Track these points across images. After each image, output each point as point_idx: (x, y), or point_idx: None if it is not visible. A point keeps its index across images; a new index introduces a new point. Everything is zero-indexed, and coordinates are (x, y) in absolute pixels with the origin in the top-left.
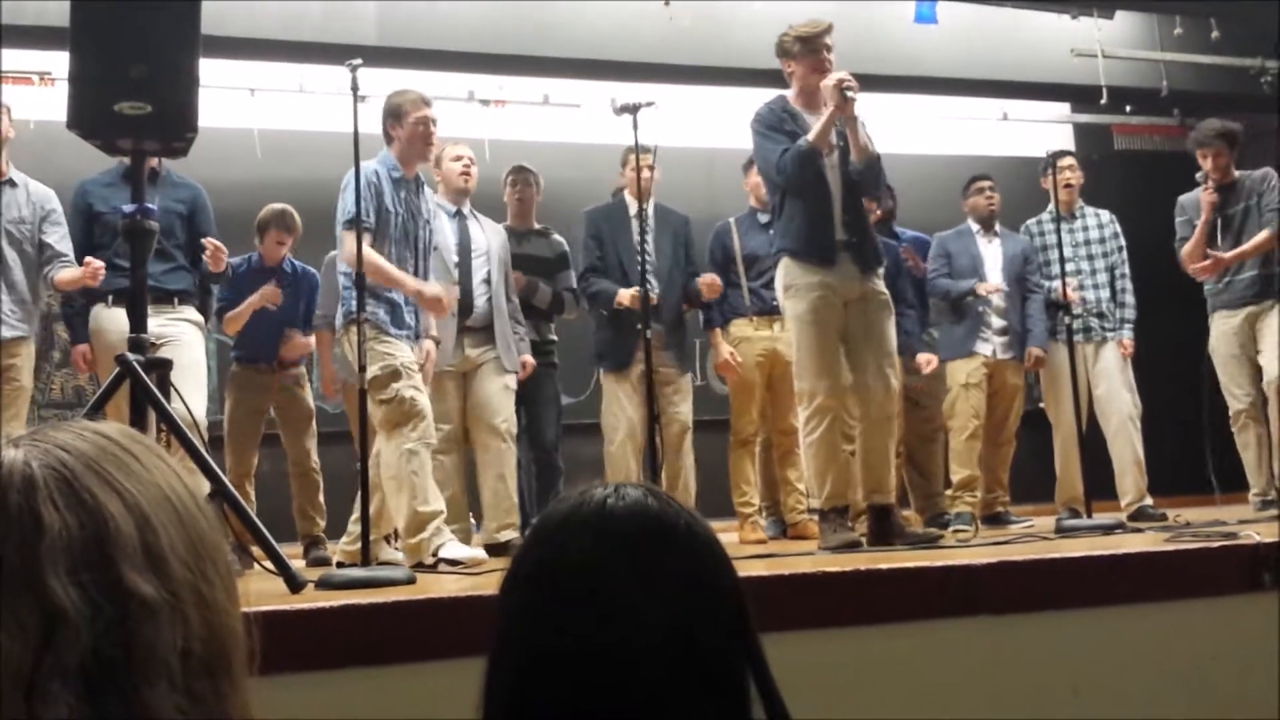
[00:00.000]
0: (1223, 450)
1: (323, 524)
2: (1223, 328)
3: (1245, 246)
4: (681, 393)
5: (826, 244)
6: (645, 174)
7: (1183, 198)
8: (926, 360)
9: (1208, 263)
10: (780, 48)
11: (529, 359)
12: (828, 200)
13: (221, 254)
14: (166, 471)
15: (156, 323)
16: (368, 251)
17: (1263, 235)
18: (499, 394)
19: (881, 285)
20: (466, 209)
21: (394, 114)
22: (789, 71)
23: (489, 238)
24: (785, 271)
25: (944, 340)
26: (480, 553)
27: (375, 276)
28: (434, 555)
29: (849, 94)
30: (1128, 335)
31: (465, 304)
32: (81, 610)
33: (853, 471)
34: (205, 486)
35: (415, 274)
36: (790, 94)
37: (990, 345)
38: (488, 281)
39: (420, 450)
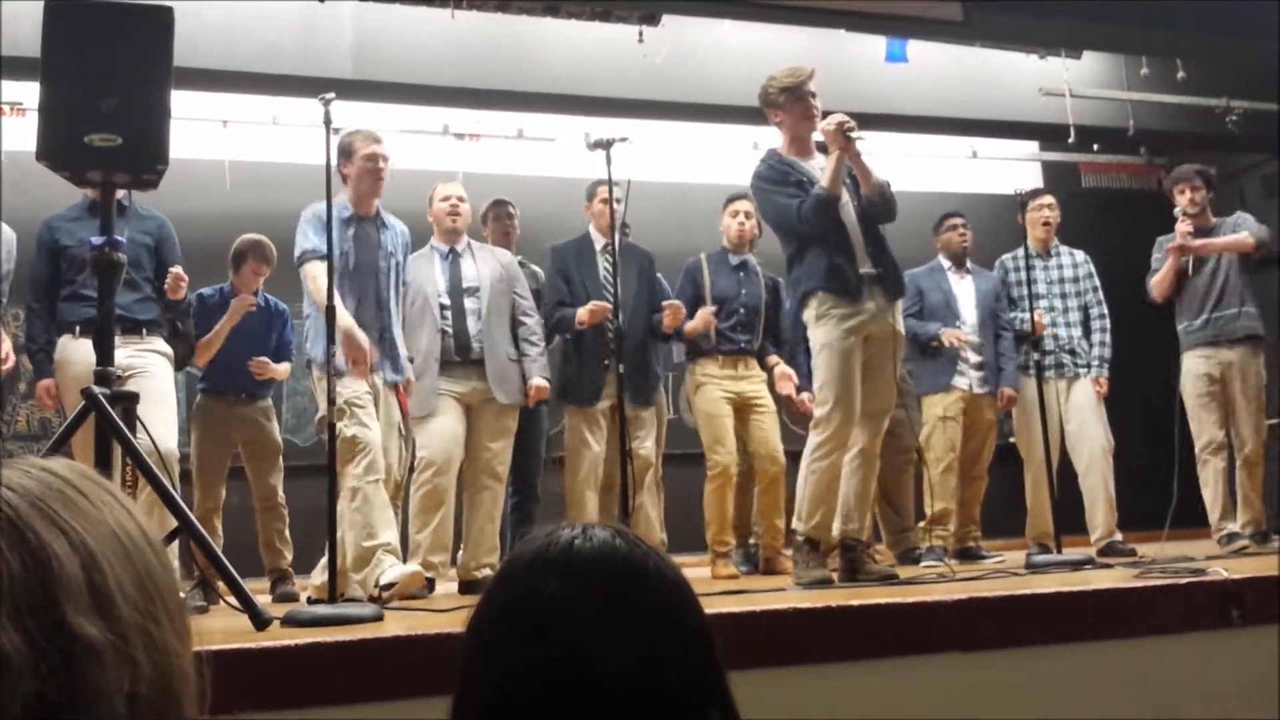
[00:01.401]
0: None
1: (289, 558)
2: (1196, 368)
3: (1216, 241)
4: (645, 428)
5: (853, 279)
6: (615, 208)
7: (1162, 238)
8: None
9: (1175, 243)
10: (765, 98)
11: (539, 381)
12: (847, 238)
13: (182, 281)
14: (117, 509)
15: (125, 354)
16: (324, 284)
17: (1237, 236)
18: (502, 435)
19: (900, 323)
20: (461, 246)
21: (345, 152)
22: (777, 121)
23: (480, 270)
24: (817, 303)
25: (920, 375)
26: (412, 567)
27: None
28: (376, 585)
29: (851, 135)
30: (1104, 374)
31: (462, 343)
32: (24, 653)
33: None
34: (171, 522)
35: (372, 306)
36: (781, 145)
37: (967, 379)
38: (483, 318)
39: (363, 486)
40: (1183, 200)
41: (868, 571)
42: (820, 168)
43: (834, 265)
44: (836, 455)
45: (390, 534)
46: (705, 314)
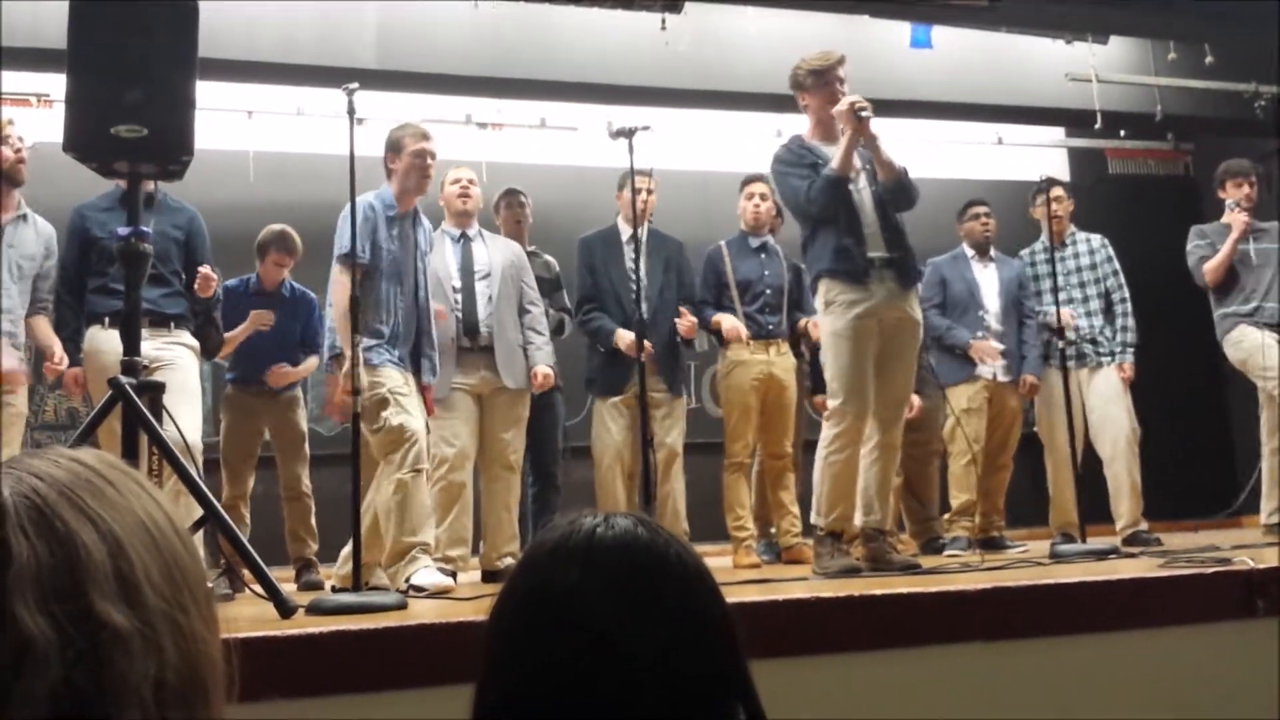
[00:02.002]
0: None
1: (315, 547)
2: (1250, 333)
3: None
4: (673, 418)
5: (861, 262)
6: (643, 198)
7: (1201, 226)
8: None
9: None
10: (794, 80)
11: (545, 369)
12: (858, 222)
13: (211, 281)
14: (145, 499)
15: (152, 346)
16: (345, 294)
17: None
18: (514, 425)
19: (917, 309)
20: (472, 231)
21: (393, 147)
22: (804, 104)
23: (492, 256)
24: (825, 289)
25: (944, 365)
26: (447, 581)
27: (339, 321)
28: (406, 581)
29: (863, 114)
30: (1129, 359)
31: (470, 327)
32: (51, 640)
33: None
34: (197, 511)
35: (404, 307)
36: (806, 129)
37: (990, 369)
38: (493, 302)
39: (408, 479)
40: (1238, 194)
41: (890, 561)
42: None
43: (841, 247)
44: (852, 449)
45: (428, 533)
46: (735, 328)
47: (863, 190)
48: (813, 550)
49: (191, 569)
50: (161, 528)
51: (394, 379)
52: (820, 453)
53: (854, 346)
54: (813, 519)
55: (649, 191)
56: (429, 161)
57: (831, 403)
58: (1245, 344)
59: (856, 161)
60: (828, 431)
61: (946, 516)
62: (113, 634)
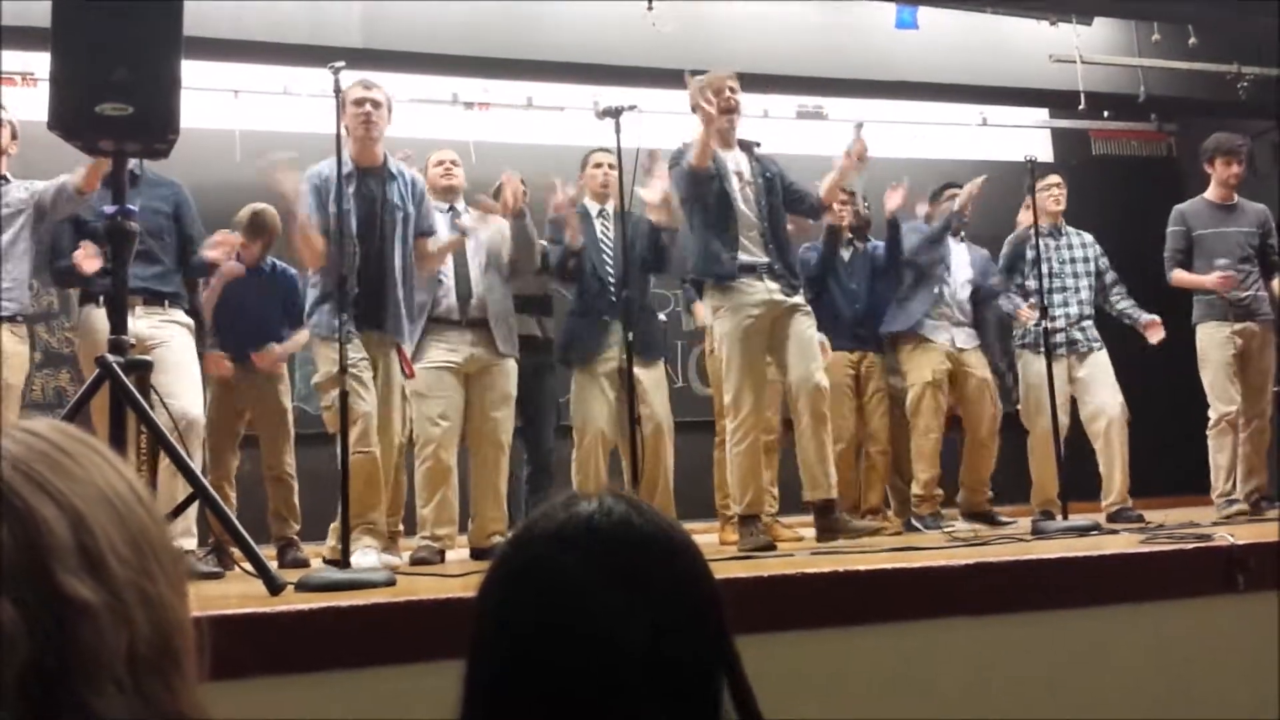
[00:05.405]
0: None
1: (296, 527)
2: (1215, 335)
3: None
4: (657, 388)
5: (729, 267)
6: (606, 173)
7: (1180, 207)
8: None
9: (1225, 277)
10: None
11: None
12: (733, 226)
13: (229, 244)
14: (105, 468)
15: (148, 324)
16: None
17: None
18: (504, 403)
19: (802, 299)
20: (460, 205)
21: (342, 106)
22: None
23: (480, 230)
24: (709, 295)
25: (897, 312)
26: (384, 576)
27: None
28: None
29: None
30: (1145, 317)
31: (463, 292)
32: (17, 623)
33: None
34: (185, 489)
35: (374, 263)
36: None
37: (948, 334)
38: (483, 268)
39: (353, 460)
40: (1226, 172)
41: (850, 530)
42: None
43: (711, 251)
44: (754, 436)
45: (375, 513)
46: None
47: (743, 194)
48: (736, 532)
49: (157, 535)
50: (123, 496)
51: (349, 356)
52: (727, 445)
53: (744, 348)
54: (731, 507)
55: (611, 167)
56: (368, 109)
57: (727, 397)
58: (1211, 355)
59: (742, 167)
60: (728, 424)
61: (916, 492)
62: (79, 609)
